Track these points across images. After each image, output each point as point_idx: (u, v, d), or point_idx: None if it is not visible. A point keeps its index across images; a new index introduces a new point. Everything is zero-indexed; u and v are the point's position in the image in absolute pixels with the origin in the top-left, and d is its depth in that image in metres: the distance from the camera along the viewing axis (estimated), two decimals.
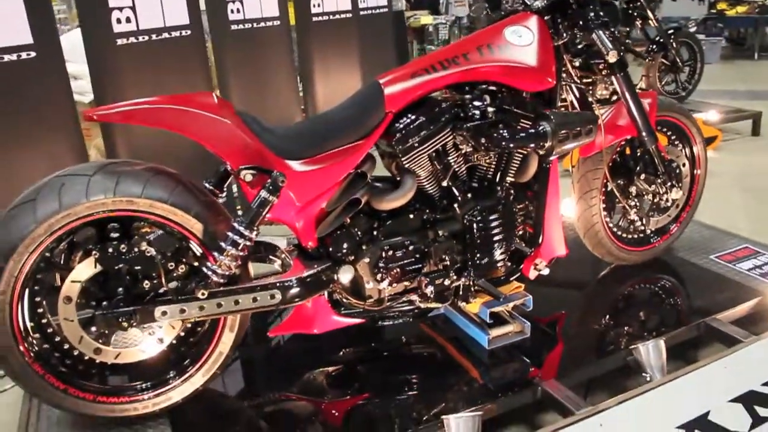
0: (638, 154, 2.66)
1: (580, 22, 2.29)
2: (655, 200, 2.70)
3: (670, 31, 5.67)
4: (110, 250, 1.80)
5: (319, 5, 4.49)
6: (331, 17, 4.62)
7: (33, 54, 2.70)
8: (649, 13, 5.44)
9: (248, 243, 1.85)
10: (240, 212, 3.22)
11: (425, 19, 9.37)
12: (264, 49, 4.07)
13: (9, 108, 2.64)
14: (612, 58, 2.27)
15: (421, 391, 2.14)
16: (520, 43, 2.23)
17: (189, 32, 3.43)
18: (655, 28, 5.54)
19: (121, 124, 3.06)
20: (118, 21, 3.05)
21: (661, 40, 5.55)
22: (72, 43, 3.33)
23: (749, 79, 7.88)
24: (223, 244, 1.84)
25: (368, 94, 2.08)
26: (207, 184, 2.07)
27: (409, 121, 2.08)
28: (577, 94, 2.49)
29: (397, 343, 2.44)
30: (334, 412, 2.09)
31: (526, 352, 2.31)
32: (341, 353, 2.39)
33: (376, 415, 2.05)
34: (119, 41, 3.07)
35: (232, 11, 3.78)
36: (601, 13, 2.27)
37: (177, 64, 3.40)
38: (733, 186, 4.40)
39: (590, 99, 2.47)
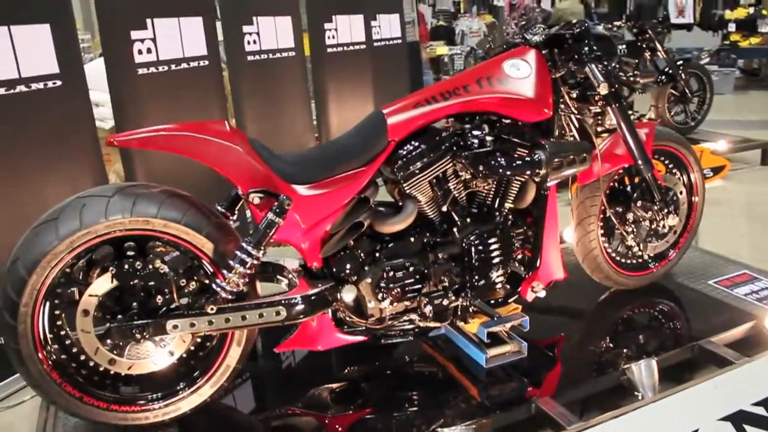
0: (635, 181, 2.75)
1: (575, 56, 2.41)
2: (652, 226, 2.78)
3: (680, 62, 5.77)
4: (126, 266, 1.93)
5: (333, 37, 4.65)
6: (346, 48, 4.78)
7: (59, 83, 2.85)
8: (658, 45, 5.56)
9: (255, 262, 1.97)
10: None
11: (441, 49, 9.55)
12: (279, 79, 4.23)
13: (35, 133, 2.78)
14: (603, 90, 2.38)
15: (421, 407, 2.22)
16: (519, 76, 2.34)
17: (207, 62, 3.58)
18: (664, 59, 5.64)
19: (139, 150, 3.21)
20: (140, 52, 3.21)
21: (670, 71, 5.65)
22: (94, 71, 3.49)
23: (762, 109, 7.94)
24: (231, 263, 1.96)
25: (372, 123, 2.21)
26: (219, 207, 2.20)
27: (410, 149, 2.20)
28: (576, 125, 2.60)
29: (399, 362, 2.53)
30: (338, 426, 2.18)
31: (523, 372, 2.38)
32: (345, 370, 2.48)
33: (378, 429, 2.13)
34: (140, 71, 3.23)
35: (248, 42, 3.94)
36: (595, 48, 2.39)
37: (194, 93, 3.54)
38: (740, 214, 4.45)
39: (588, 129, 2.58)
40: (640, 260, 2.91)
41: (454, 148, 2.25)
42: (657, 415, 2.13)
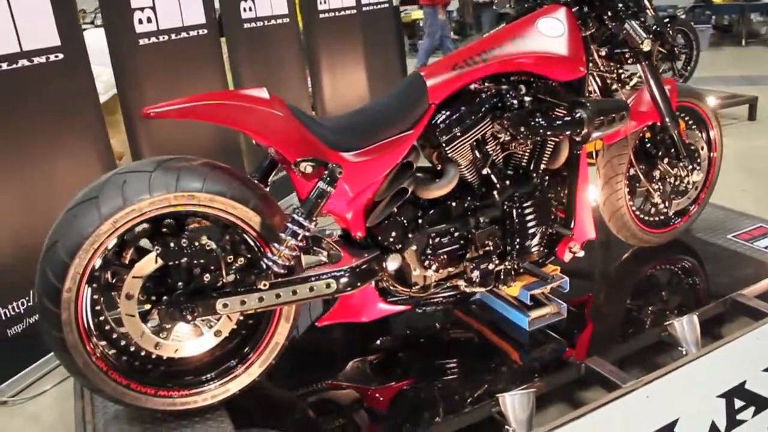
0: (659, 138, 2.74)
1: (610, 13, 2.36)
2: (677, 183, 2.78)
3: (667, 20, 5.77)
4: (172, 245, 1.84)
5: (324, 2, 4.53)
6: (337, 14, 4.66)
7: (61, 56, 2.71)
8: (646, 2, 5.52)
9: (307, 233, 1.90)
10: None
11: (416, 14, 9.43)
12: (275, 46, 4.11)
13: (38, 108, 2.66)
14: (646, 46, 2.34)
15: (470, 373, 2.20)
16: (552, 35, 2.29)
17: (205, 31, 3.46)
18: (652, 17, 5.62)
19: (145, 122, 3.10)
20: (140, 21, 3.07)
21: (658, 29, 5.63)
22: (91, 43, 3.34)
23: (739, 64, 8.03)
24: (282, 235, 1.88)
25: (411, 86, 2.13)
26: (252, 178, 2.11)
27: (451, 111, 2.13)
28: (600, 83, 2.56)
29: (435, 330, 2.49)
30: (380, 398, 2.14)
31: (565, 332, 2.37)
32: (380, 341, 2.44)
33: (428, 398, 2.09)
34: (141, 41, 3.09)
35: (244, 9, 3.81)
36: (630, 3, 2.34)
37: (194, 63, 3.44)
38: (736, 169, 4.50)
39: (615, 88, 2.54)
40: (663, 217, 2.91)
41: (494, 110, 2.19)
42: (704, 370, 2.14)
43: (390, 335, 2.47)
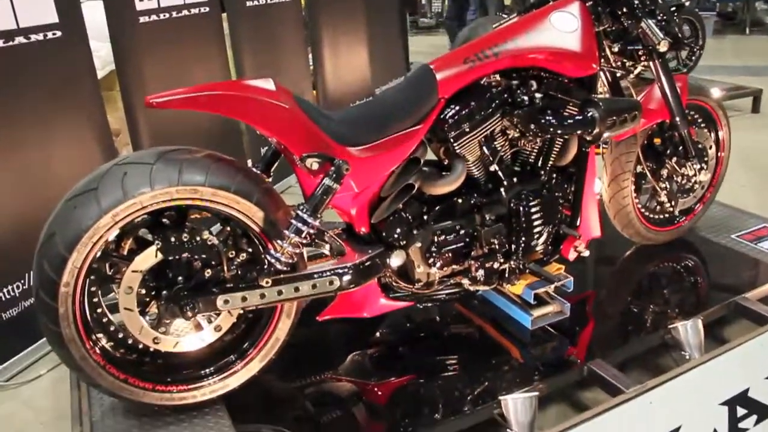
0: (668, 136, 2.69)
1: (625, 10, 2.30)
2: (684, 182, 2.74)
3: (673, 8, 5.68)
4: (173, 239, 1.79)
5: None
6: None
7: (59, 33, 2.64)
8: None
9: (311, 230, 1.85)
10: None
11: None
12: (277, 25, 4.03)
13: (35, 87, 2.59)
14: (663, 47, 2.29)
15: (471, 372, 2.17)
16: (565, 29, 2.23)
17: (207, 9, 3.37)
18: (658, 5, 5.54)
19: (142, 102, 3.03)
20: None
21: (665, 17, 5.55)
22: (88, 18, 3.26)
23: (743, 54, 7.95)
24: (286, 232, 1.83)
25: (420, 79, 2.07)
26: (254, 169, 2.06)
27: (461, 106, 2.08)
28: (610, 79, 2.50)
29: (436, 324, 2.46)
30: (379, 393, 2.12)
31: (566, 332, 2.35)
32: (380, 334, 2.41)
33: (429, 396, 2.07)
34: (142, 19, 3.01)
35: None
36: (647, 1, 2.28)
37: (195, 41, 3.36)
38: (737, 164, 4.45)
39: (627, 86, 2.49)
40: (668, 215, 2.88)
41: (504, 106, 2.14)
42: (708, 376, 2.12)
43: (390, 329, 2.44)
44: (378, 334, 2.42)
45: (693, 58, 5.95)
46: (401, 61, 6.17)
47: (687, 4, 6.97)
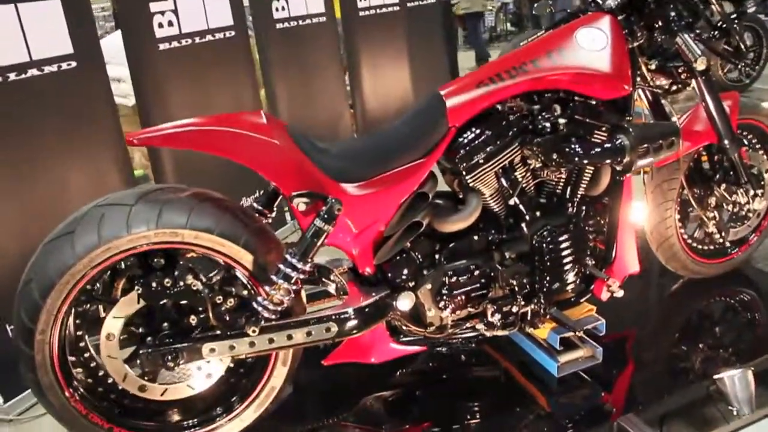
0: (717, 160, 2.45)
1: (660, 23, 2.08)
2: (736, 210, 2.48)
3: (734, 16, 5.33)
4: (154, 285, 1.69)
5: None
6: (378, 11, 4.45)
7: (74, 64, 2.60)
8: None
9: (301, 276, 1.72)
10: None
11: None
12: (310, 47, 3.93)
13: (51, 120, 2.55)
14: (701, 65, 2.05)
15: (486, 422, 2.00)
16: (593, 48, 2.02)
17: (233, 33, 3.30)
18: (717, 12, 5.21)
19: None
20: (160, 25, 2.93)
21: (725, 26, 5.22)
22: (114, 44, 3.23)
23: None
24: (274, 278, 1.70)
25: (429, 107, 1.91)
26: (255, 204, 1.95)
27: (473, 136, 1.91)
28: (651, 100, 2.28)
29: (457, 365, 2.29)
30: None
31: (598, 380, 2.14)
32: (398, 375, 2.25)
33: None
34: (161, 46, 2.96)
35: (276, 9, 3.63)
36: (684, 13, 2.06)
37: (221, 67, 3.28)
38: None
39: (667, 106, 2.26)
40: (719, 246, 2.62)
41: (523, 134, 1.96)
42: None
43: (405, 369, 2.27)
44: (392, 375, 2.25)
45: (756, 66, 5.56)
46: (448, 77, 5.98)
47: (751, 10, 6.57)
